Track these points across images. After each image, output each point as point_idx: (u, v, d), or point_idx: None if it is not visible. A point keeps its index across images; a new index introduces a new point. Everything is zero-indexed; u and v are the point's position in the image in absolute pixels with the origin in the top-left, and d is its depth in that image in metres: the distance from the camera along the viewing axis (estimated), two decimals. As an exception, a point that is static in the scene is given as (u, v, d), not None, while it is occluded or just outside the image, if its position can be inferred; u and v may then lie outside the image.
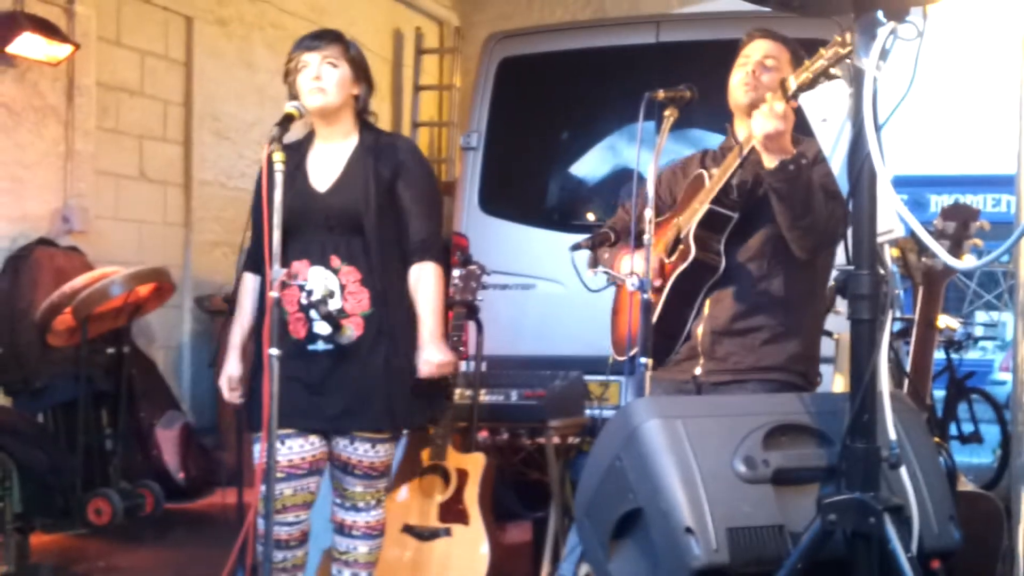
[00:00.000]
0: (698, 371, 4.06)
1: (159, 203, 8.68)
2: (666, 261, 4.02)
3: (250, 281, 4.33)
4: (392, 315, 4.17)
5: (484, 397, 5.23)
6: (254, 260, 4.27)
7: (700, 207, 3.97)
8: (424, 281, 4.25)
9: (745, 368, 4.01)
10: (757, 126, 3.68)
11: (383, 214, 4.17)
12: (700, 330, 4.06)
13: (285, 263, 3.87)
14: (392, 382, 4.16)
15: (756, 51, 4.08)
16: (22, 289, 6.99)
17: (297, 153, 4.18)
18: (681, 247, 3.99)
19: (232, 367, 4.28)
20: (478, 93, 7.47)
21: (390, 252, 4.20)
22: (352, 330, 4.04)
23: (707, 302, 4.06)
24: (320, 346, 4.11)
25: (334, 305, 4.06)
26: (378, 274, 4.14)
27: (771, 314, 4.02)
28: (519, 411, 5.20)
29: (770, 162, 3.72)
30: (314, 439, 4.19)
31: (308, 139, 4.30)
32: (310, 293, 4.05)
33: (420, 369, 4.17)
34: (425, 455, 5.01)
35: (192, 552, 6.55)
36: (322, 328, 4.08)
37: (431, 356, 4.19)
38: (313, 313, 4.06)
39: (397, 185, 4.23)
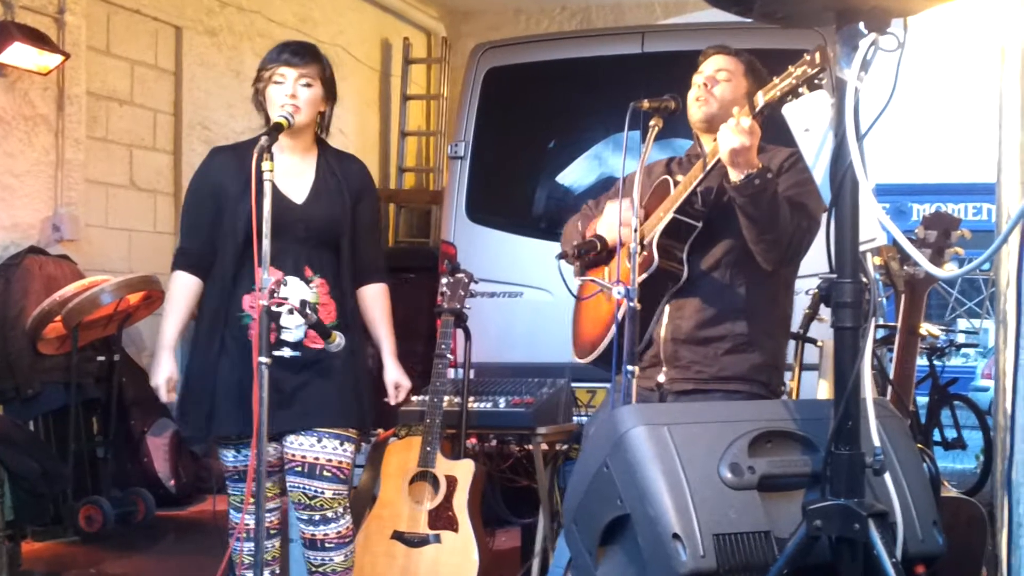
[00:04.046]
0: (661, 378, 4.08)
1: (149, 211, 8.71)
2: (627, 265, 4.01)
3: (183, 280, 4.29)
4: (352, 325, 4.26)
5: (473, 404, 5.24)
6: (189, 260, 4.28)
7: (664, 215, 3.99)
8: (382, 301, 4.41)
9: (708, 377, 4.03)
10: (723, 141, 3.67)
11: (353, 229, 4.29)
12: (662, 336, 4.08)
13: (250, 271, 3.94)
14: (358, 384, 4.26)
15: (709, 67, 4.12)
16: (13, 297, 6.99)
17: (247, 159, 3.98)
18: (644, 253, 4.00)
19: (169, 368, 4.25)
20: (465, 103, 7.50)
21: (349, 265, 4.30)
22: (341, 338, 4.04)
23: (667, 308, 4.08)
24: (287, 352, 4.12)
25: (313, 309, 4.08)
26: (343, 285, 4.24)
27: (734, 323, 4.04)
28: (507, 418, 5.21)
29: (736, 176, 3.72)
30: (274, 446, 4.21)
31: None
32: (283, 300, 4.05)
33: (391, 393, 4.35)
34: (414, 461, 5.03)
35: (183, 559, 6.56)
36: (289, 335, 4.12)
37: (401, 380, 4.40)
38: (282, 320, 4.08)
39: (359, 207, 4.32)
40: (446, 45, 11.72)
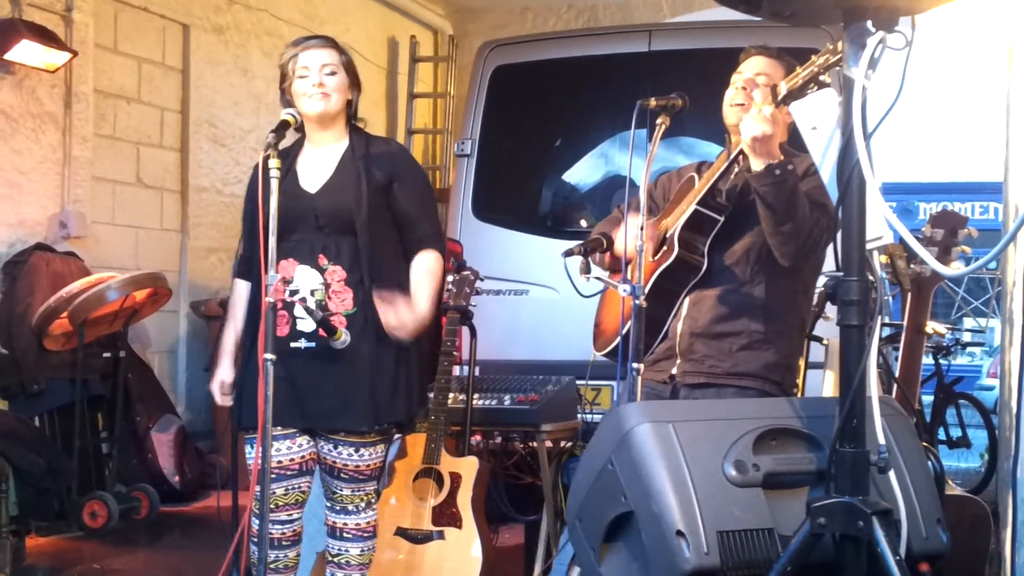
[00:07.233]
0: (674, 371, 4.08)
1: (156, 209, 8.72)
2: (651, 260, 4.01)
3: (241, 287, 4.36)
4: (376, 315, 4.17)
5: (477, 401, 5.25)
6: (245, 266, 4.33)
7: (687, 208, 3.99)
8: (421, 265, 4.26)
9: (721, 373, 4.01)
10: (746, 129, 3.69)
11: (373, 215, 4.19)
12: (679, 329, 4.08)
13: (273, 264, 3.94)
14: (375, 381, 4.17)
15: (749, 68, 4.06)
16: (19, 294, 7.01)
17: (287, 158, 4.16)
18: (665, 247, 4.01)
19: (224, 372, 4.32)
20: (472, 101, 7.51)
21: (377, 253, 4.22)
22: (347, 335, 4.05)
23: (686, 301, 4.07)
24: (303, 343, 4.12)
25: (319, 305, 4.08)
26: (364, 273, 4.16)
27: (751, 320, 4.03)
28: (512, 415, 5.22)
29: (757, 165, 3.73)
30: (302, 440, 4.22)
31: (297, 145, 4.32)
32: (295, 292, 4.08)
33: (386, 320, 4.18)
34: (419, 458, 5.03)
35: (187, 555, 6.56)
36: (305, 325, 4.10)
37: (403, 314, 4.18)
38: (297, 311, 4.08)
39: (393, 189, 4.24)
40: (453, 43, 11.72)
